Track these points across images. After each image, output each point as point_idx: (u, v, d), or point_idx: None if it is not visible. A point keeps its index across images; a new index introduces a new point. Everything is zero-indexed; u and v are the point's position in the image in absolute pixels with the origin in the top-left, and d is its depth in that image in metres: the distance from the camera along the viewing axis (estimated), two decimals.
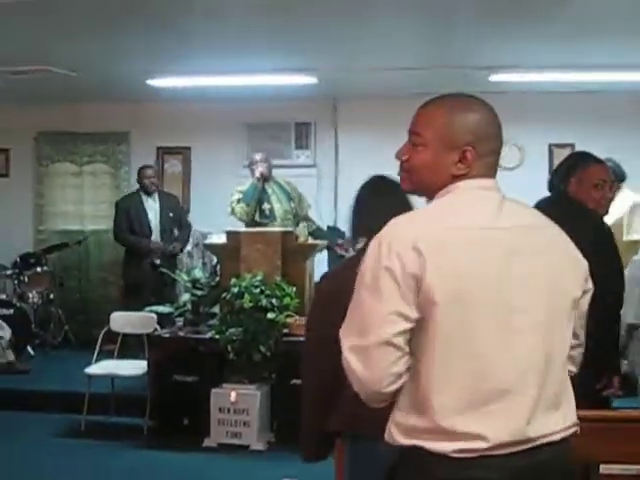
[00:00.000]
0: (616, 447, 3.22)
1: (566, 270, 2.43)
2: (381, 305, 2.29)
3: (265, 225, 8.56)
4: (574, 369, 2.62)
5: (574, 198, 4.46)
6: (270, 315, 7.18)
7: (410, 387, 2.34)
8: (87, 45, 7.73)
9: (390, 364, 2.29)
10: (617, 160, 7.22)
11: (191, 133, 11.22)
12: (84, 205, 11.68)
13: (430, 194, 2.50)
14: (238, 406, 7.17)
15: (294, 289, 7.42)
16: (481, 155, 2.45)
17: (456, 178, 2.44)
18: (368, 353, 2.30)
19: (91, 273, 11.63)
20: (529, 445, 2.30)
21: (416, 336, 2.31)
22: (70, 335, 10.73)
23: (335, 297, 3.29)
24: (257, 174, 8.74)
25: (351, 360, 2.33)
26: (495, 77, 8.92)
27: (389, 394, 2.34)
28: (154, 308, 8.12)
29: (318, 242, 8.38)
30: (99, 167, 11.70)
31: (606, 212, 4.64)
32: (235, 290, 7.31)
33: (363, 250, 3.46)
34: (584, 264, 2.51)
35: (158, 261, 9.60)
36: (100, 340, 8.14)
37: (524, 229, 2.40)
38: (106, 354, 8.29)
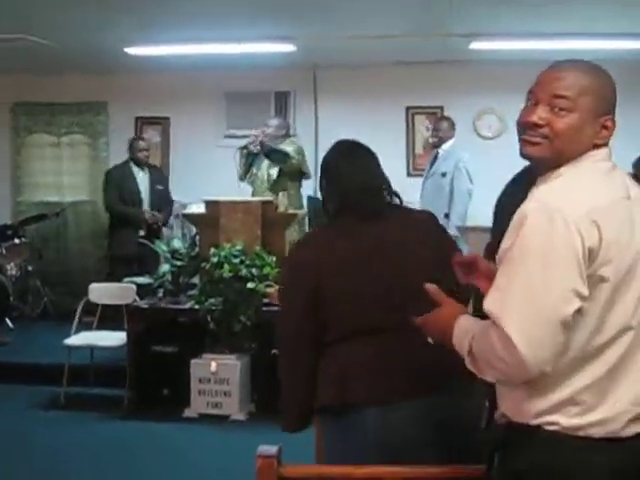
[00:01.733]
0: None
1: None
2: (559, 282, 2.19)
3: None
4: None
5: None
6: (250, 285, 7.13)
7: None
8: (65, 13, 7.64)
9: (559, 344, 2.20)
10: None
11: (170, 103, 11.13)
12: (62, 176, 11.60)
13: (563, 162, 2.38)
14: (218, 376, 7.14)
15: (274, 258, 7.36)
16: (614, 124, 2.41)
17: (595, 147, 2.38)
18: (537, 332, 2.18)
19: (70, 244, 11.56)
20: None
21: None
22: (49, 307, 10.65)
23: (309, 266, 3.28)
24: (251, 137, 8.70)
25: (517, 340, 2.18)
26: (475, 45, 8.87)
27: (545, 374, 2.24)
28: (133, 279, 8.07)
29: (298, 212, 8.34)
30: (77, 138, 11.60)
31: None
32: (214, 260, 7.26)
33: (334, 219, 3.44)
34: None
35: (142, 232, 9.55)
36: (79, 311, 8.09)
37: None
38: (85, 325, 8.24)
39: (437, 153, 9.35)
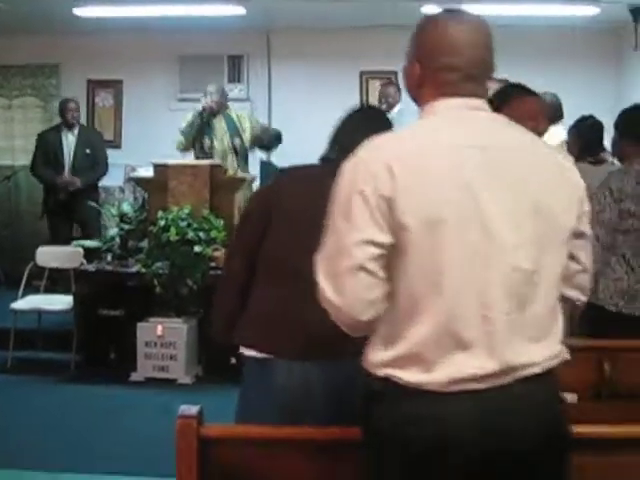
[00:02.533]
0: None
1: (555, 193, 2.32)
2: (353, 230, 2.22)
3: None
4: (582, 297, 2.53)
5: None
6: (197, 248, 7.10)
7: (388, 315, 2.28)
8: None
9: (363, 290, 2.22)
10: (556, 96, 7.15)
11: (123, 66, 11.00)
12: (14, 139, 11.46)
13: (418, 104, 2.47)
14: (165, 340, 7.12)
15: (222, 222, 7.34)
16: (435, 70, 2.38)
17: (420, 92, 2.42)
18: (341, 279, 2.23)
19: (21, 208, 11.43)
20: (505, 378, 2.23)
21: (392, 262, 2.24)
22: (0, 272, 10.57)
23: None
24: (200, 107, 8.61)
25: (325, 287, 2.27)
26: (426, 8, 8.81)
27: (366, 322, 2.27)
28: (81, 242, 8.03)
29: (247, 175, 8.31)
30: (29, 100, 11.46)
31: None
32: (162, 223, 7.22)
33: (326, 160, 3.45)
34: (579, 186, 2.41)
35: (62, 195, 9.48)
36: (26, 275, 8.03)
37: (505, 150, 2.31)
38: (34, 290, 8.19)
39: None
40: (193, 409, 2.76)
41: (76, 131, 9.84)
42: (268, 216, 3.32)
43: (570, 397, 3.54)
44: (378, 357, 2.31)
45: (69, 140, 9.78)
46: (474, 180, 2.22)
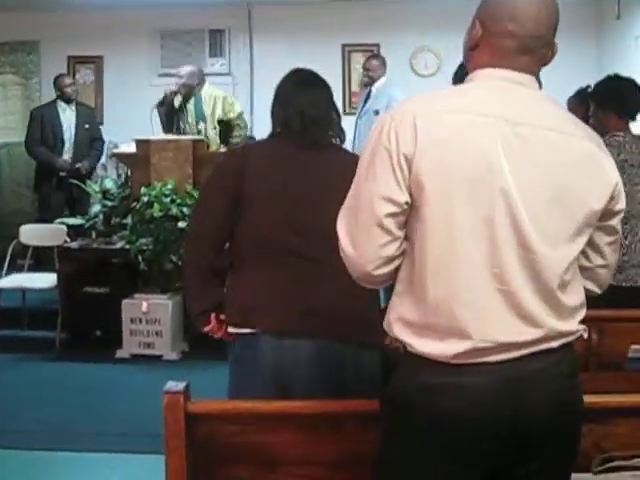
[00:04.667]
0: None
1: (583, 180, 2.29)
2: (373, 185, 2.24)
3: None
4: (597, 289, 2.53)
5: None
6: (181, 224, 7.07)
7: (405, 274, 2.31)
8: None
9: (379, 246, 2.26)
10: None
11: (103, 41, 10.90)
12: None
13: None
14: (150, 316, 7.12)
15: None
16: (491, 35, 2.36)
17: (472, 55, 2.41)
18: (357, 233, 2.28)
19: (3, 186, 11.35)
20: (522, 351, 2.24)
21: (410, 220, 2.27)
22: None
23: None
24: (167, 91, 8.56)
25: (342, 238, 2.32)
26: None
27: (379, 277, 2.31)
28: (64, 220, 8.01)
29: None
30: (9, 78, 11.36)
31: None
32: (145, 199, 7.20)
33: (273, 138, 3.44)
34: (612, 181, 2.34)
35: (64, 173, 9.41)
36: (10, 253, 8.02)
37: (539, 129, 2.27)
38: (19, 268, 8.16)
39: (370, 91, 9.29)
40: (180, 385, 2.75)
41: (74, 106, 9.76)
42: (237, 188, 3.30)
43: None
44: (395, 320, 2.33)
45: (67, 115, 9.69)
46: (497, 154, 2.22)
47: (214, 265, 3.36)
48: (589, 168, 2.31)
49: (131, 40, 10.85)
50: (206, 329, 3.45)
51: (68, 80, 9.77)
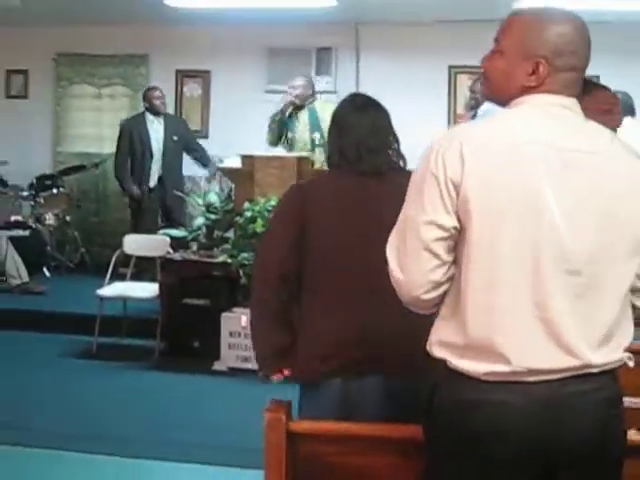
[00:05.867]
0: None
1: (627, 201, 2.29)
2: (422, 210, 2.29)
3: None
4: None
5: None
6: None
7: (450, 299, 2.34)
8: None
9: (427, 271, 2.30)
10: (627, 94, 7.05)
11: (211, 56, 11.04)
12: (102, 128, 11.56)
13: (504, 103, 2.45)
14: (249, 331, 7.10)
15: None
16: (556, 70, 2.35)
17: (527, 90, 2.37)
18: (406, 257, 2.32)
19: (108, 196, 11.57)
20: (562, 375, 2.24)
21: (458, 245, 2.30)
22: (86, 258, 10.73)
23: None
24: (282, 102, 8.62)
25: (391, 262, 2.36)
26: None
27: (428, 301, 2.35)
28: (168, 231, 8.11)
29: None
30: (118, 90, 11.58)
31: None
32: (248, 214, 7.25)
33: (334, 170, 3.42)
34: None
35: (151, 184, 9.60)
36: (113, 263, 8.15)
37: (582, 153, 2.29)
38: (120, 277, 8.29)
39: (475, 114, 9.23)
40: (282, 403, 2.76)
41: (162, 119, 9.94)
42: (299, 235, 3.28)
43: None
44: (437, 343, 2.37)
45: (155, 128, 9.88)
46: (543, 181, 2.23)
47: (281, 300, 3.33)
48: (636, 192, 2.31)
49: (239, 56, 10.95)
50: (274, 379, 3.51)
51: (157, 93, 9.96)
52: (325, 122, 8.51)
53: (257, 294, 3.45)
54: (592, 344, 2.26)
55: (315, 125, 8.65)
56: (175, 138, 9.91)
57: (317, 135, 8.62)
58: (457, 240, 2.29)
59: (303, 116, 8.67)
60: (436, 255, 2.28)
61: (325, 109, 8.62)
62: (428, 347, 2.39)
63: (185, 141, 10.07)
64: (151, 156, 9.81)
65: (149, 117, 9.92)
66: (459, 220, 2.26)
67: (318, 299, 3.28)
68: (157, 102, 9.85)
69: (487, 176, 2.23)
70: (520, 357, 2.22)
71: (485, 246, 2.24)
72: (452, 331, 2.31)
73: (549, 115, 2.34)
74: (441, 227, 2.26)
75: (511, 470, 2.26)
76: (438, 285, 2.32)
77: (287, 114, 8.61)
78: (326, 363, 3.20)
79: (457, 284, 2.31)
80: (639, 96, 7.49)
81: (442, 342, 2.34)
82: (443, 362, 2.32)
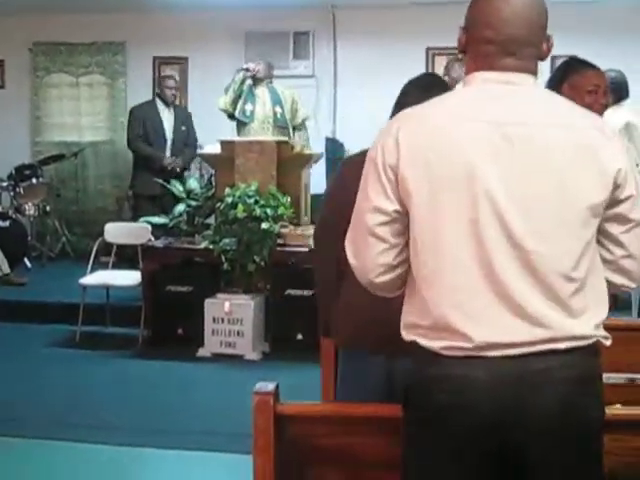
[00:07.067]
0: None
1: (580, 172, 2.25)
2: (365, 197, 2.35)
3: (243, 125, 8.71)
4: (629, 283, 2.44)
5: None
6: (264, 225, 7.12)
7: (409, 280, 2.38)
8: None
9: (376, 254, 2.35)
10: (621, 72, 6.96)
11: (188, 43, 10.99)
12: (81, 117, 11.53)
13: None
14: (232, 316, 7.15)
15: (289, 199, 7.36)
16: (474, 40, 2.38)
17: (468, 65, 2.41)
18: (357, 243, 2.40)
19: (88, 185, 11.51)
20: (523, 349, 2.22)
21: (409, 228, 2.32)
22: (67, 247, 10.70)
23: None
24: (245, 66, 8.71)
25: (347, 250, 2.44)
26: None
27: (382, 284, 2.40)
28: (148, 218, 8.09)
29: (314, 152, 8.29)
30: (95, 78, 11.52)
31: None
32: (229, 200, 7.25)
33: None
34: (612, 170, 2.27)
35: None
36: (95, 251, 8.12)
37: (530, 126, 2.26)
38: (102, 265, 8.28)
39: None
40: (270, 386, 2.75)
41: (172, 109, 9.92)
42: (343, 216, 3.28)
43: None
44: (405, 325, 2.40)
45: (167, 117, 9.84)
46: (481, 156, 2.24)
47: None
48: (585, 160, 2.28)
49: (216, 41, 10.91)
50: None
51: (171, 82, 9.94)
52: (287, 102, 8.62)
53: (319, 255, 3.51)
54: (559, 313, 2.24)
55: (276, 100, 8.79)
56: (183, 129, 9.88)
57: (279, 109, 8.71)
58: (406, 222, 2.32)
59: (262, 92, 8.80)
60: (382, 239, 2.33)
61: (285, 90, 8.76)
62: (401, 330, 2.41)
63: (187, 133, 9.99)
64: (165, 142, 9.74)
65: (160, 106, 9.87)
66: (403, 203, 2.30)
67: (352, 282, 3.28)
68: (168, 92, 9.79)
69: (422, 157, 2.26)
70: (479, 332, 2.22)
71: (428, 225, 2.27)
72: (415, 312, 2.34)
73: (489, 91, 2.34)
74: (383, 212, 2.31)
75: (465, 442, 2.27)
76: (391, 268, 2.37)
77: (246, 85, 8.68)
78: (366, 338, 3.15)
79: (411, 267, 2.35)
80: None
81: (408, 324, 2.37)
82: (414, 343, 2.34)
